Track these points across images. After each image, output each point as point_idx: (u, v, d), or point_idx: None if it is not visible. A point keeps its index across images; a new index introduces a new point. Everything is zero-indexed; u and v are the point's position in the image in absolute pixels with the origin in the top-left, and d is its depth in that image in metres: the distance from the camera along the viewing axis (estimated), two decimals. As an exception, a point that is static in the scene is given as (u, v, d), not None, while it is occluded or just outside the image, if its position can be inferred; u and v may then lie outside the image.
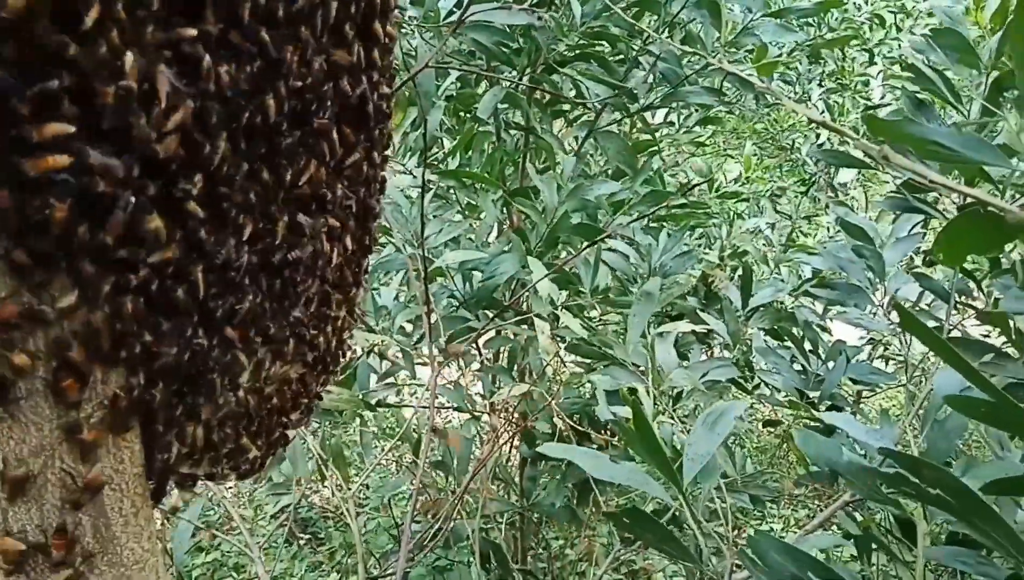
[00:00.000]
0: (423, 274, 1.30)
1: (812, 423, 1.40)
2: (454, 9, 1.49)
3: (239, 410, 0.48)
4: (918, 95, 1.36)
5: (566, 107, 2.05)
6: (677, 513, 1.17)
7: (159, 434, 0.42)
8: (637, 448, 0.77)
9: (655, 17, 1.86)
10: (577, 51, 1.79)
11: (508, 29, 1.58)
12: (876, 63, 3.55)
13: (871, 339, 2.44)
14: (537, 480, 1.90)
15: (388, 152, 0.58)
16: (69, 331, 0.35)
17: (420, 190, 1.36)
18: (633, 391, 1.26)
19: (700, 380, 1.40)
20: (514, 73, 1.77)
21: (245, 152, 0.42)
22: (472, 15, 1.17)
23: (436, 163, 2.11)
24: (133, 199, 0.34)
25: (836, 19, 3.29)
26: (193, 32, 0.37)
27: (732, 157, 3.61)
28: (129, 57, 0.34)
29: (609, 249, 1.71)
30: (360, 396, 1.51)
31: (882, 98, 3.55)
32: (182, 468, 0.46)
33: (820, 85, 3.50)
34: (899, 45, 3.41)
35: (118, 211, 0.34)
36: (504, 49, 1.64)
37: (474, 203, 2.06)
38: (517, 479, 1.94)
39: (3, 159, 0.31)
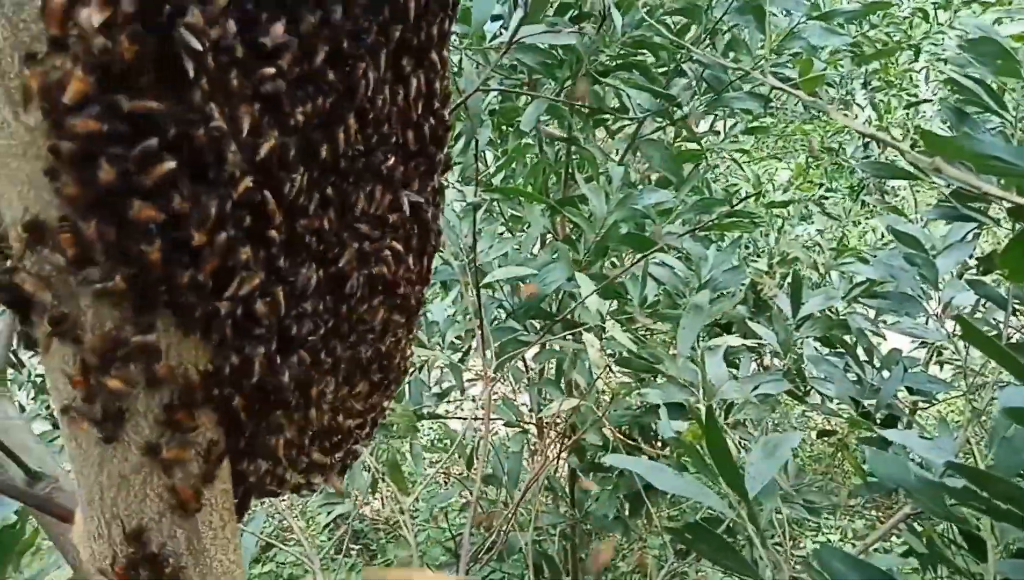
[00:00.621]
0: (476, 290, 1.32)
1: (869, 435, 1.37)
2: (502, 30, 1.51)
3: (313, 427, 0.50)
4: (960, 106, 1.32)
5: (608, 116, 2.05)
6: (731, 525, 1.16)
7: (244, 450, 0.44)
8: (696, 461, 0.77)
9: (697, 23, 1.86)
10: (619, 61, 1.79)
11: (552, 48, 1.60)
12: (919, 60, 3.47)
13: (923, 343, 2.38)
14: (588, 492, 1.90)
15: (447, 176, 0.60)
16: (165, 360, 0.38)
17: (471, 207, 1.38)
18: (697, 408, 1.26)
19: (752, 393, 1.39)
20: (555, 85, 1.78)
21: (316, 180, 0.45)
22: (521, 38, 1.19)
23: (483, 179, 2.14)
24: (225, 235, 0.37)
25: (878, 15, 3.22)
26: (272, 70, 0.40)
27: (780, 160, 3.56)
28: (217, 102, 0.36)
29: (657, 263, 1.70)
30: (412, 410, 1.54)
31: (935, 95, 3.46)
32: (264, 483, 0.48)
33: (864, 86, 3.44)
34: (943, 40, 3.33)
35: (211, 247, 0.36)
36: (547, 63, 1.66)
37: (518, 214, 2.07)
38: (567, 490, 1.94)
39: (114, 198, 0.33)
